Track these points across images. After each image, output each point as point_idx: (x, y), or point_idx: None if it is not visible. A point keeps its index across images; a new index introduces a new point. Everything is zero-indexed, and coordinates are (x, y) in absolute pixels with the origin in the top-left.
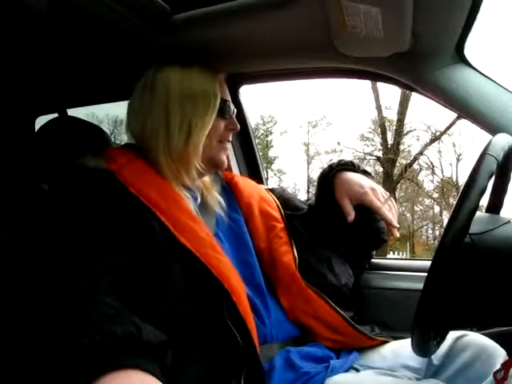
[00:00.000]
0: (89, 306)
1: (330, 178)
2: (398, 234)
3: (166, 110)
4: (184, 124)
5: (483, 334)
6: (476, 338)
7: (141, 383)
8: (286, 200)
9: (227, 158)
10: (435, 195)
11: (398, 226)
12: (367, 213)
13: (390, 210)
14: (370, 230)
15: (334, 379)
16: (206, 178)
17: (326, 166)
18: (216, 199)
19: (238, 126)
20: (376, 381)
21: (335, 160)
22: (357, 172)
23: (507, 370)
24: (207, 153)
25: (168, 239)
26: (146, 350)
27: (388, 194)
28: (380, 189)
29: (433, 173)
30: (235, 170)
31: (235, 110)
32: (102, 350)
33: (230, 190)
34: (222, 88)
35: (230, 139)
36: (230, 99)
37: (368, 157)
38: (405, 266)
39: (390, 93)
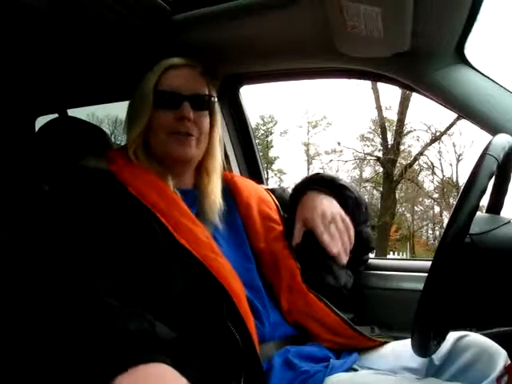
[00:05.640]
0: (100, 305)
1: (298, 196)
2: (338, 259)
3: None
4: (128, 118)
5: (483, 334)
6: (477, 339)
7: (162, 375)
8: (286, 202)
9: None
10: (435, 195)
11: (335, 253)
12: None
13: (333, 236)
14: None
15: (333, 378)
16: (206, 182)
17: (304, 178)
18: (214, 206)
19: (186, 113)
20: (375, 380)
21: (315, 172)
22: (330, 188)
23: None
24: (159, 147)
25: (168, 240)
26: (159, 346)
27: (337, 217)
28: (333, 213)
29: (433, 173)
30: (235, 170)
31: (216, 102)
32: (119, 347)
33: (229, 191)
34: (169, 79)
35: (190, 131)
36: (179, 90)
37: (368, 157)
38: (405, 266)
39: (390, 93)
